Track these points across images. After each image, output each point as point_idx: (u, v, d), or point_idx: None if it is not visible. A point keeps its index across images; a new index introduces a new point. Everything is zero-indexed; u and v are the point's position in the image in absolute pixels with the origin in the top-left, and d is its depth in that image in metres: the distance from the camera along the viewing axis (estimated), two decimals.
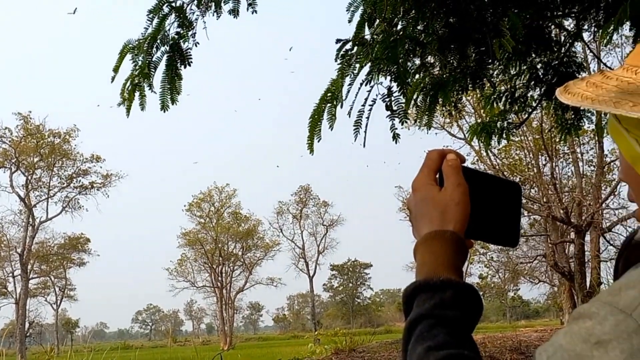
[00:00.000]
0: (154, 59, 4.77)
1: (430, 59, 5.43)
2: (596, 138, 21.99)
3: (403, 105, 4.21)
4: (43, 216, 44.13)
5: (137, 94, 4.83)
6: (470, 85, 5.76)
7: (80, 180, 44.82)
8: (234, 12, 4.86)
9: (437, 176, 1.04)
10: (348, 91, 3.99)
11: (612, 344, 0.73)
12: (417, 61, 5.09)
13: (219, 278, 58.83)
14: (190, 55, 4.83)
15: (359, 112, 4.13)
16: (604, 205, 23.47)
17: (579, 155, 24.46)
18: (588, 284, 21.26)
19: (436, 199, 1.00)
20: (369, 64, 4.06)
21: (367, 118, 4.12)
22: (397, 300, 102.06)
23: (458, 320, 0.91)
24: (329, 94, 3.92)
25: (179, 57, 4.78)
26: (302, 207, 61.90)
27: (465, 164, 1.07)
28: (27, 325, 44.28)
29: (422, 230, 1.00)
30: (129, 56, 4.72)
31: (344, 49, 4.13)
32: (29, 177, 43.02)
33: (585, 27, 6.78)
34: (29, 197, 43.19)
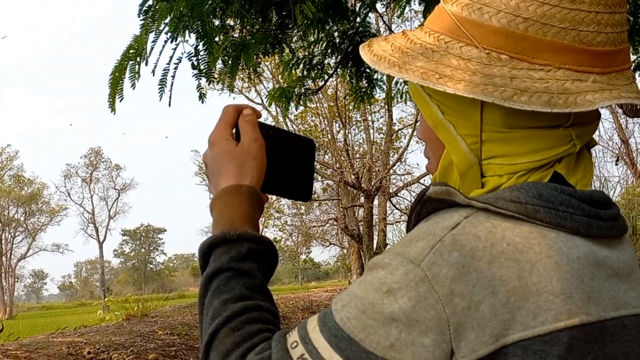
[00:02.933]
0: None
1: (230, 21, 5.37)
2: (386, 107, 23.22)
3: (209, 64, 4.11)
4: None
5: None
6: (271, 50, 5.79)
7: None
8: None
9: (234, 131, 1.04)
10: (152, 48, 3.82)
11: (401, 292, 0.77)
12: (217, 22, 5.01)
13: None
14: None
15: (164, 70, 3.98)
16: (391, 171, 24.96)
17: (370, 123, 25.68)
18: (375, 245, 22.55)
19: (233, 154, 1.00)
20: (174, 20, 3.91)
21: (173, 77, 3.98)
22: (190, 265, 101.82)
23: (254, 272, 0.92)
24: (131, 51, 3.74)
25: None
26: (92, 171, 59.71)
27: (261, 119, 1.08)
28: None
29: (219, 185, 1.00)
30: None
31: (147, 4, 3.95)
32: None
33: None
34: None
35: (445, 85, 0.84)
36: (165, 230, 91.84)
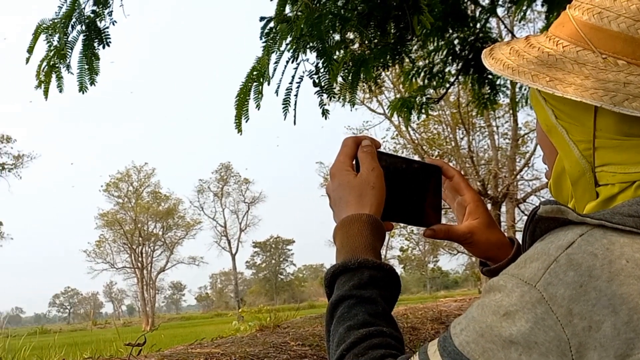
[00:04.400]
0: (69, 39, 4.56)
1: (350, 35, 5.44)
2: (511, 111, 22.61)
3: (330, 81, 4.20)
4: None
5: (53, 75, 4.61)
6: (390, 61, 5.81)
7: None
8: None
9: (354, 162, 1.07)
10: (274, 69, 3.94)
11: (519, 315, 0.76)
12: (337, 37, 5.09)
13: (139, 258, 58.10)
14: (109, 34, 4.64)
15: (287, 89, 4.09)
16: (518, 177, 24.24)
17: (495, 128, 25.06)
18: None
19: (352, 184, 1.03)
20: (295, 40, 4.03)
21: (296, 96, 4.08)
22: (319, 276, 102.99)
23: (376, 299, 0.94)
24: (255, 72, 3.88)
25: (96, 37, 4.60)
26: (223, 185, 61.69)
27: (381, 149, 1.10)
28: None
29: (341, 215, 1.03)
30: (43, 36, 4.50)
31: (268, 27, 4.09)
32: None
33: (500, 2, 6.94)
34: None
35: (555, 88, 0.84)
36: (294, 242, 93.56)
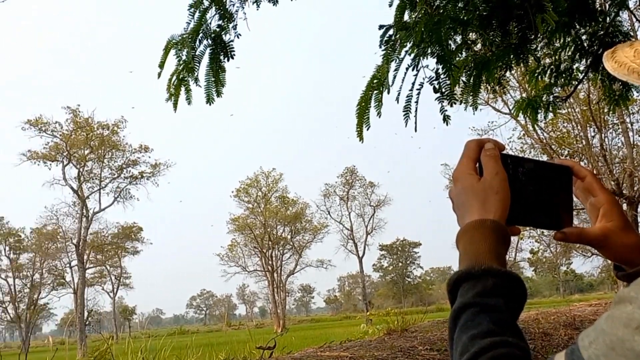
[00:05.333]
0: (197, 53, 4.75)
1: (472, 35, 5.37)
2: None
3: (450, 86, 4.16)
4: (96, 207, 44.96)
5: (182, 88, 4.83)
6: (513, 62, 5.68)
7: (130, 171, 45.65)
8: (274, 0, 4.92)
9: (477, 166, 1.06)
10: (394, 77, 3.96)
11: None
12: (459, 39, 5.04)
13: (270, 262, 59.46)
14: (233, 47, 4.82)
15: (407, 97, 4.08)
16: None
17: (629, 125, 23.78)
18: None
19: (476, 189, 1.02)
20: (414, 47, 4.03)
21: (416, 102, 4.07)
22: (447, 278, 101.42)
23: (501, 307, 0.90)
24: (375, 81, 3.91)
25: (221, 50, 4.79)
26: (348, 189, 62.04)
27: (505, 151, 1.08)
28: (86, 314, 45.32)
29: (464, 220, 1.01)
30: (173, 51, 4.74)
31: (387, 35, 4.10)
32: (81, 170, 43.84)
33: None
34: (81, 189, 44.02)
35: None
36: (421, 244, 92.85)
